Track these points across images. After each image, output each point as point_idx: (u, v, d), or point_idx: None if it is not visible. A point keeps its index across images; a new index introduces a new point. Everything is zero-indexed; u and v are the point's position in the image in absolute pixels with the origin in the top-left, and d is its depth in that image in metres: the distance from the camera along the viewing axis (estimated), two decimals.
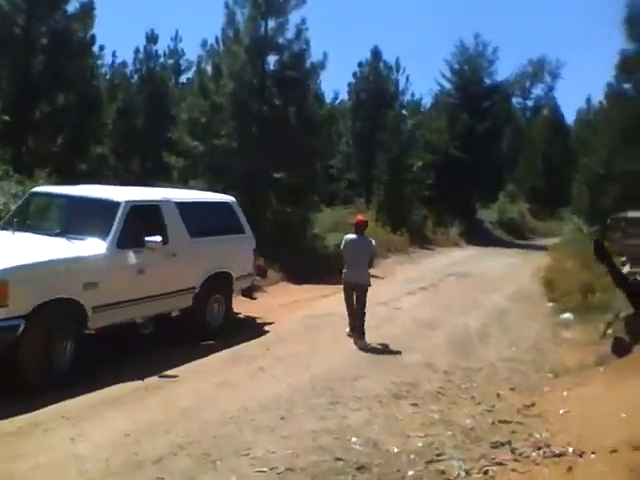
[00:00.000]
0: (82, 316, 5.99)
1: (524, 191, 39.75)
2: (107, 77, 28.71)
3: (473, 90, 30.97)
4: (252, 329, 8.44)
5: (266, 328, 8.54)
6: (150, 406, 5.37)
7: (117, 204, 6.61)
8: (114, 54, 29.60)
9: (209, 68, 17.48)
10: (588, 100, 49.35)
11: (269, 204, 16.81)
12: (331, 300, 10.62)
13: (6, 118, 14.24)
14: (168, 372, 6.18)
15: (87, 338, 6.18)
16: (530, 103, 60.30)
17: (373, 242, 8.45)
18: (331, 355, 7.25)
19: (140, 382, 5.89)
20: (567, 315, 9.61)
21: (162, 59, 27.65)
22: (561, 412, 5.38)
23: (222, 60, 16.20)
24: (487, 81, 31.83)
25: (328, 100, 34.48)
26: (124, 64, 27.28)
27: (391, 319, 9.35)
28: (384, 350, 7.57)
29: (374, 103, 29.06)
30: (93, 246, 6.26)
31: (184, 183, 16.14)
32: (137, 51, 26.44)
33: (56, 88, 14.69)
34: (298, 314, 9.66)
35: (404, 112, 28.64)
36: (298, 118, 16.16)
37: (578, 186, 16.74)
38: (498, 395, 5.95)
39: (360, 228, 8.29)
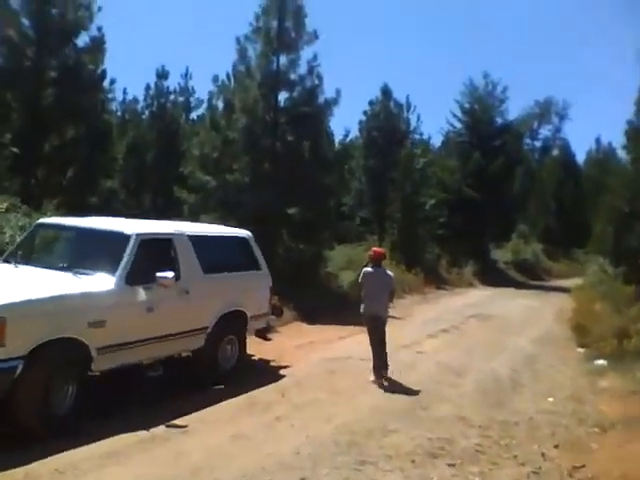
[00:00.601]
0: (86, 357, 5.50)
1: (536, 232, 39.24)
2: (118, 113, 28.91)
3: (484, 129, 30.81)
4: (266, 373, 7.90)
5: (281, 372, 7.98)
6: (156, 460, 4.82)
7: (127, 237, 6.18)
8: (125, 91, 29.39)
9: (220, 104, 17.41)
10: (598, 140, 49.75)
11: (281, 240, 16.42)
12: (348, 342, 10.13)
13: (15, 150, 13.99)
14: (176, 421, 5.63)
15: (90, 381, 5.69)
16: (538, 144, 60.29)
17: (392, 274, 8.11)
18: (354, 404, 6.67)
19: (145, 432, 5.34)
20: (601, 362, 8.99)
21: (173, 96, 27.77)
22: (617, 474, 4.78)
23: (234, 95, 16.00)
24: (498, 120, 31.65)
25: (339, 137, 34.64)
26: (135, 100, 27.27)
27: (415, 364, 8.76)
28: (411, 400, 6.92)
29: (385, 141, 28.93)
30: (100, 282, 5.80)
31: (195, 218, 15.85)
32: (148, 87, 26.55)
33: (66, 121, 14.47)
34: (315, 356, 9.10)
35: (416, 150, 28.48)
36: (311, 154, 15.88)
37: (601, 225, 16.19)
38: (543, 454, 5.33)
39: (378, 260, 7.94)
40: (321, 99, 16.12)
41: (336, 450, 5.15)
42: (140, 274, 6.03)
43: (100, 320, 5.56)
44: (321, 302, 13.45)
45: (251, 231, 16.91)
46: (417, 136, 30.90)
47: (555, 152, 49.72)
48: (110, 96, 19.40)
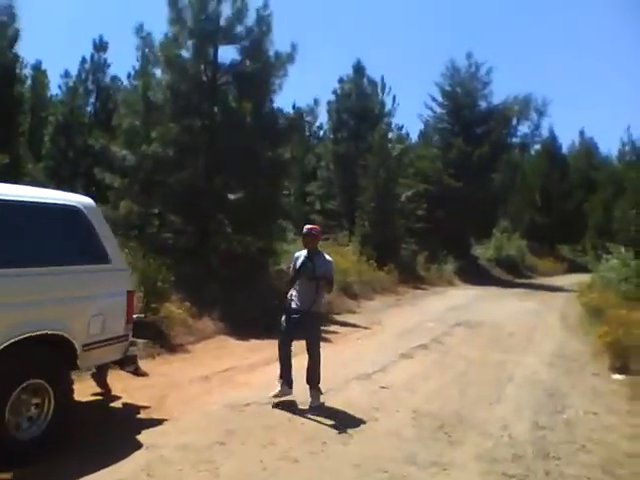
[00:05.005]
0: None
1: (520, 227, 36.33)
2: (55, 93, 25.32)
3: (467, 115, 27.76)
4: (112, 440, 4.45)
5: (143, 436, 4.55)
6: None
7: None
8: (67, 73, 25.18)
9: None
10: (582, 133, 46.90)
11: (222, 232, 13.01)
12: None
13: None
14: None
15: None
16: (517, 140, 57.33)
17: (330, 259, 5.93)
18: None
19: None
20: None
21: (126, 78, 24.33)
22: None
23: (160, 48, 12.54)
24: (482, 104, 28.53)
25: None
26: (67, 74, 23.68)
27: (375, 414, 5.36)
28: None
29: (357, 124, 25.83)
30: None
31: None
32: (84, 61, 23.09)
33: None
34: (220, 398, 5.71)
35: (391, 135, 25.39)
36: (257, 122, 12.50)
37: (622, 211, 13.17)
38: None
39: (312, 241, 5.83)
40: (271, 52, 12.80)
41: None
42: None
43: None
44: (265, 308, 10.11)
45: (182, 220, 13.33)
46: (393, 120, 27.84)
47: (536, 147, 46.86)
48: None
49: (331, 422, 5.04)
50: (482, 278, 23.05)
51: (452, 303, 14.83)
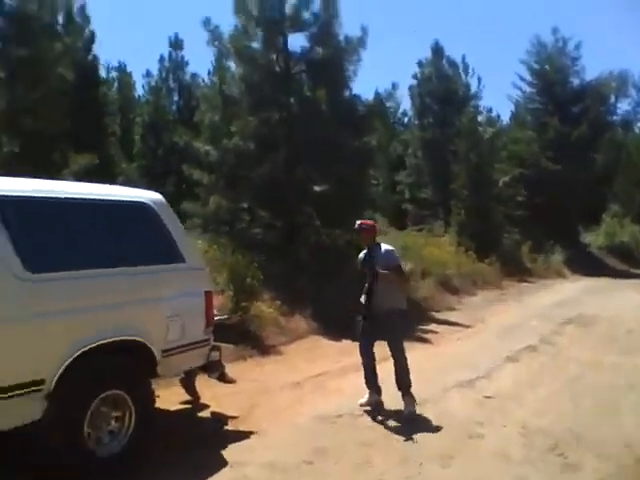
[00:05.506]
0: None
1: (632, 211, 33.46)
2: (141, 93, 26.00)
3: (560, 92, 25.65)
4: (197, 456, 4.12)
5: (228, 452, 4.20)
6: None
7: None
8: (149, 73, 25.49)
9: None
10: None
11: (311, 225, 12.64)
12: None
13: None
14: None
15: None
16: (618, 118, 52.89)
17: (391, 247, 5.49)
18: None
19: None
20: None
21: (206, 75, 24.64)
22: None
23: (230, 40, 12.29)
24: (574, 81, 26.29)
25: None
26: (149, 74, 24.25)
27: (479, 429, 4.73)
28: None
29: (441, 108, 24.68)
30: None
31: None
32: (162, 59, 23.57)
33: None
34: (311, 408, 5.31)
35: (480, 119, 24.06)
36: (334, 110, 11.99)
37: None
38: None
39: (365, 237, 5.44)
40: (341, 37, 12.27)
41: None
42: None
43: None
44: (349, 306, 9.65)
45: (274, 216, 12.85)
46: (480, 102, 26.35)
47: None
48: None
49: (428, 439, 4.50)
50: (594, 268, 21.16)
51: (561, 297, 13.67)
